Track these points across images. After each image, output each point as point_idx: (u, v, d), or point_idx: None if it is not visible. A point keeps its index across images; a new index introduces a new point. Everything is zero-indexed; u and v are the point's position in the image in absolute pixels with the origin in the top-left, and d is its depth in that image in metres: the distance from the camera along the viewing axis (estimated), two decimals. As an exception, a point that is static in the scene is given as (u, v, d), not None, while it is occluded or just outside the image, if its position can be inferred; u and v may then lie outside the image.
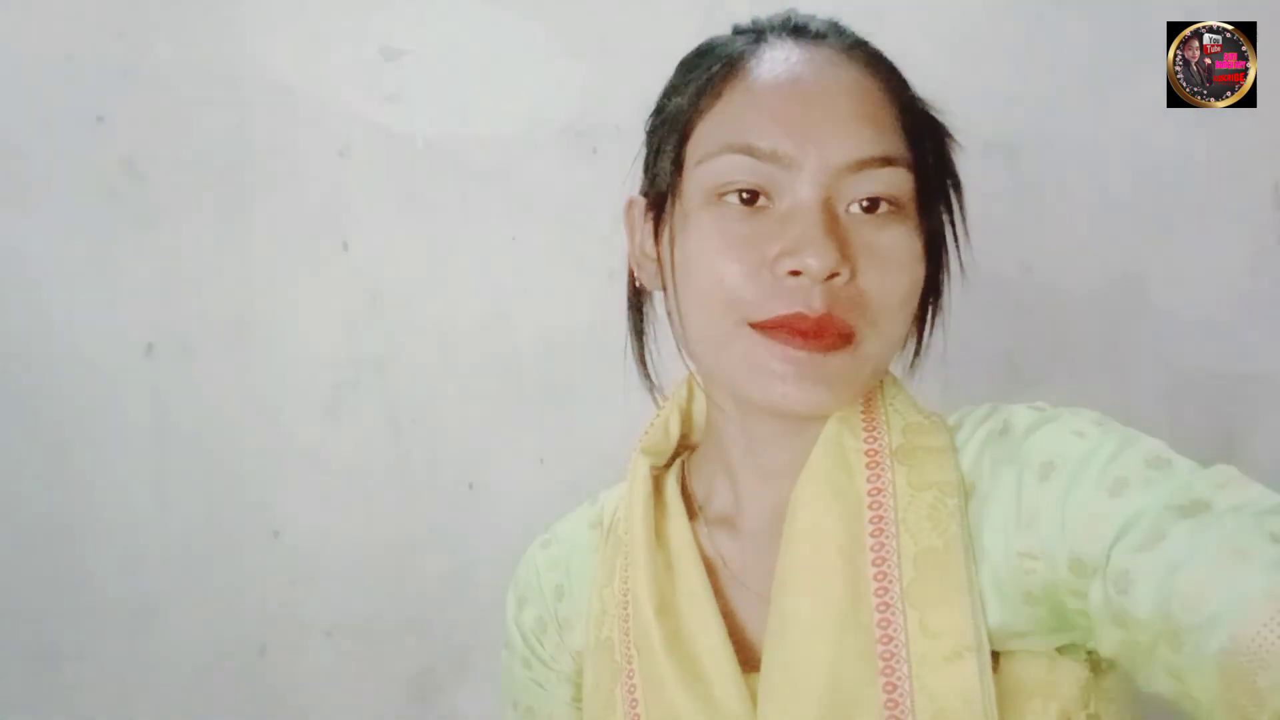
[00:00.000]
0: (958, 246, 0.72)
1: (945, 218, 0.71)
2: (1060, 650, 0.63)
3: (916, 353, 0.73)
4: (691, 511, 0.74)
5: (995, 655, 0.62)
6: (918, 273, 0.67)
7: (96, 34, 1.12)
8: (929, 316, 0.72)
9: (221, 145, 1.14)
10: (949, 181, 0.71)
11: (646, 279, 0.74)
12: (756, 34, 0.70)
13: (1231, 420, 1.18)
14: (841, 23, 0.71)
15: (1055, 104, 1.17)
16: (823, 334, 0.63)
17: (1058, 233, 1.18)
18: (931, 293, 0.71)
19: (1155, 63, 0.99)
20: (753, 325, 0.64)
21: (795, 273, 0.63)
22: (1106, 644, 0.58)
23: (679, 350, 0.72)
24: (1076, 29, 1.18)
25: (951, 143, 0.72)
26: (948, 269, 0.72)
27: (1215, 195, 1.17)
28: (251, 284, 1.15)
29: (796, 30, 0.69)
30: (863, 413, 0.68)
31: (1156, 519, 0.54)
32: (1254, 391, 1.18)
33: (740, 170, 0.65)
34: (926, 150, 0.68)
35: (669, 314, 0.71)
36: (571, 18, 1.18)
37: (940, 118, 0.71)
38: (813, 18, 0.71)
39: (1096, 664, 0.63)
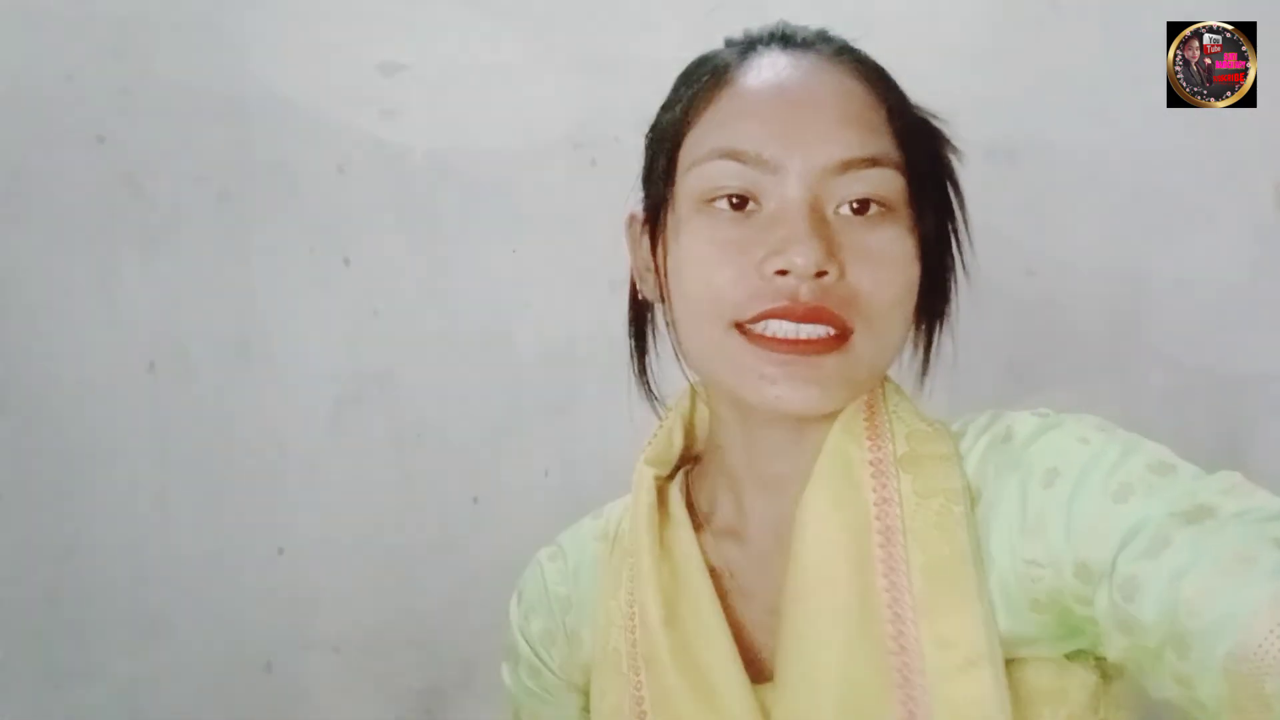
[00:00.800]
0: (959, 251, 0.72)
1: (945, 222, 0.71)
2: (1069, 657, 0.63)
3: (925, 362, 0.72)
4: (696, 522, 0.74)
5: (1005, 662, 0.61)
6: (911, 273, 0.66)
7: (97, 53, 1.13)
8: (937, 324, 0.72)
9: (222, 162, 1.15)
10: (947, 185, 0.71)
11: (648, 291, 0.74)
12: (747, 45, 0.70)
13: (1235, 423, 1.17)
14: (830, 31, 0.71)
15: (1055, 107, 1.17)
16: (815, 320, 0.62)
17: (1059, 236, 1.18)
18: (936, 299, 0.71)
19: (1155, 63, 0.98)
20: (742, 325, 0.64)
21: (783, 272, 0.63)
22: (1114, 650, 0.58)
23: (677, 359, 0.72)
24: (1075, 31, 1.18)
25: (949, 148, 0.72)
26: (953, 275, 0.71)
27: (1216, 196, 1.17)
28: (253, 300, 1.15)
29: (785, 39, 0.70)
30: (865, 420, 0.68)
31: (1161, 525, 0.54)
32: (1258, 394, 1.17)
33: (728, 175, 0.65)
34: (919, 153, 0.68)
35: (667, 324, 0.71)
36: (568, 31, 1.18)
37: (936, 123, 0.71)
38: (803, 27, 0.71)
39: (1105, 670, 0.63)
